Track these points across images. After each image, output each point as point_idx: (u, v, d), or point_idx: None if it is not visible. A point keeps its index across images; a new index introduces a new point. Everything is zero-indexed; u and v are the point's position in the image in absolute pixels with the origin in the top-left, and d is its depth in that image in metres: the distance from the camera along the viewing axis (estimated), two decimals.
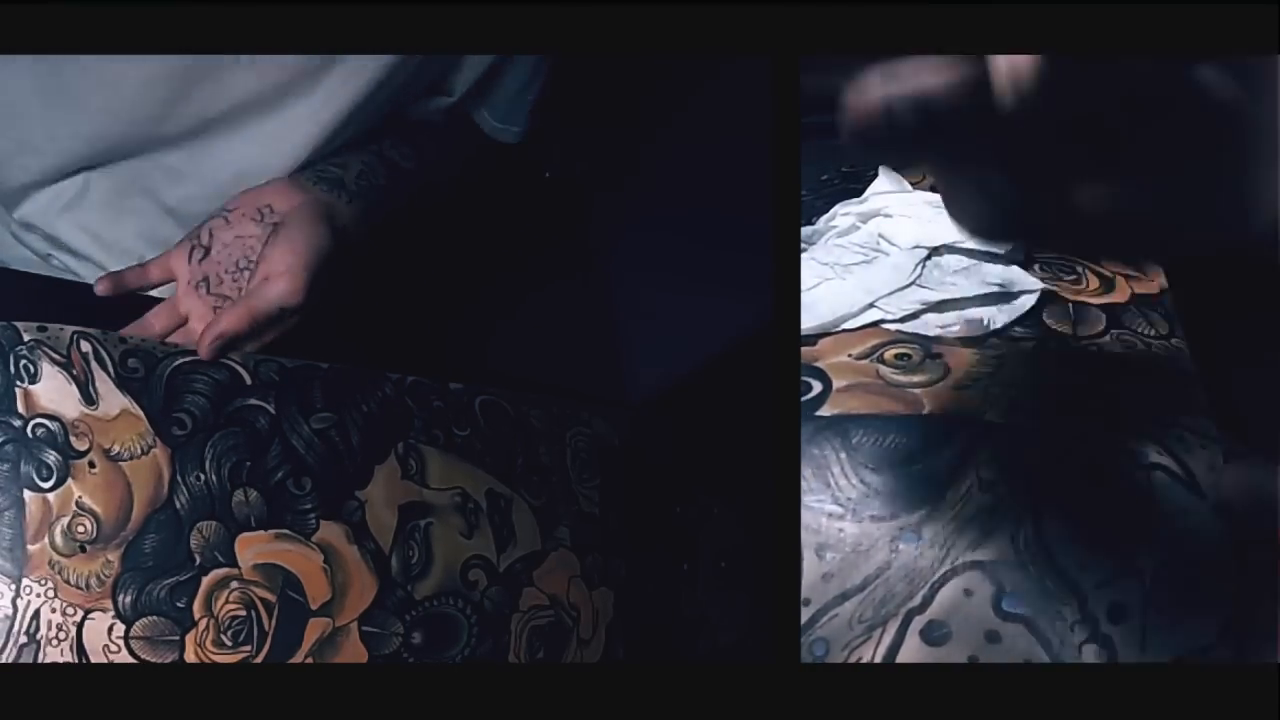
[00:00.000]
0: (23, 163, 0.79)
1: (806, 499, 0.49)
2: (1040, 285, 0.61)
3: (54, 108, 0.75)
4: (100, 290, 0.70)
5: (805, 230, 0.72)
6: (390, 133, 0.83)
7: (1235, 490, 0.45)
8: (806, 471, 0.50)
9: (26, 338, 0.58)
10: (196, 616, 0.59)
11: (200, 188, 0.78)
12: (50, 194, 0.82)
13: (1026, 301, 0.60)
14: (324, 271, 0.70)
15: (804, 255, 0.68)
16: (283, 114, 0.77)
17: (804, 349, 0.58)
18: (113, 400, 0.59)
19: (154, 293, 0.74)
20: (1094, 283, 0.61)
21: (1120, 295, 0.61)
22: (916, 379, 0.54)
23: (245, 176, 0.75)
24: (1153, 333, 0.58)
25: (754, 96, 0.89)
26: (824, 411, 0.53)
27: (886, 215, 0.69)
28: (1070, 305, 0.59)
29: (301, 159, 0.77)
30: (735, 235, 1.00)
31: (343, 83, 0.77)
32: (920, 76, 0.41)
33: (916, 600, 0.46)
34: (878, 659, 0.45)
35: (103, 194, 0.82)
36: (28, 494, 0.57)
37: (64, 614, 0.56)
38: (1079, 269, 0.63)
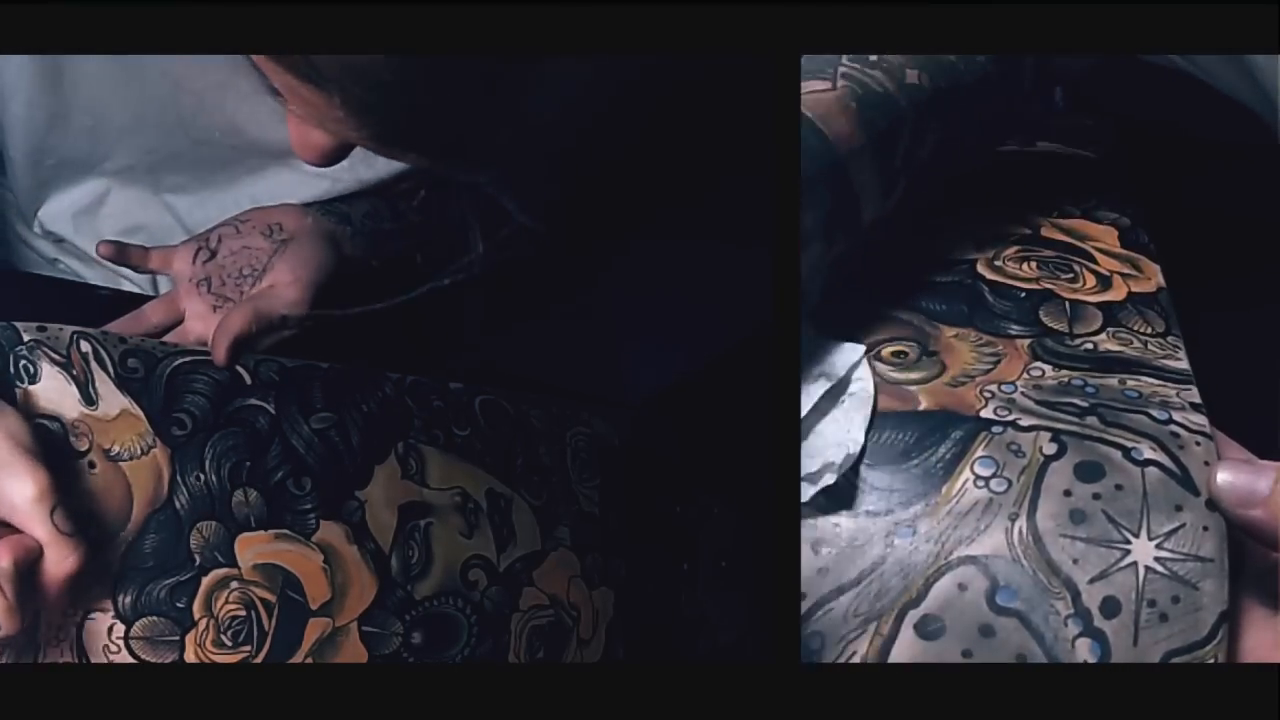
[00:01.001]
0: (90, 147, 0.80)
1: (802, 495, 0.50)
2: (860, 347, 0.54)
3: (129, 100, 0.76)
4: (102, 252, 0.72)
5: None
6: (404, 190, 0.85)
7: (1228, 488, 0.45)
8: None
9: (26, 338, 0.58)
10: (196, 616, 0.59)
11: (220, 212, 0.79)
12: (69, 199, 0.83)
13: (865, 384, 0.53)
14: (326, 290, 0.71)
15: None
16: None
17: None
18: (112, 400, 0.59)
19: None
20: (1091, 281, 0.61)
21: (1117, 293, 0.60)
22: (913, 376, 0.54)
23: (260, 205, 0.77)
24: (1149, 330, 0.58)
25: (754, 96, 0.89)
26: None
27: None
28: (1066, 303, 0.59)
29: (316, 198, 0.79)
30: (735, 235, 1.00)
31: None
32: None
33: (911, 594, 0.46)
34: (872, 653, 0.45)
35: (120, 204, 0.83)
36: None
37: (64, 614, 0.57)
38: (1076, 267, 0.63)
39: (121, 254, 0.73)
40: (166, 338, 0.68)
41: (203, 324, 0.69)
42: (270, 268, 0.71)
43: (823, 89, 0.51)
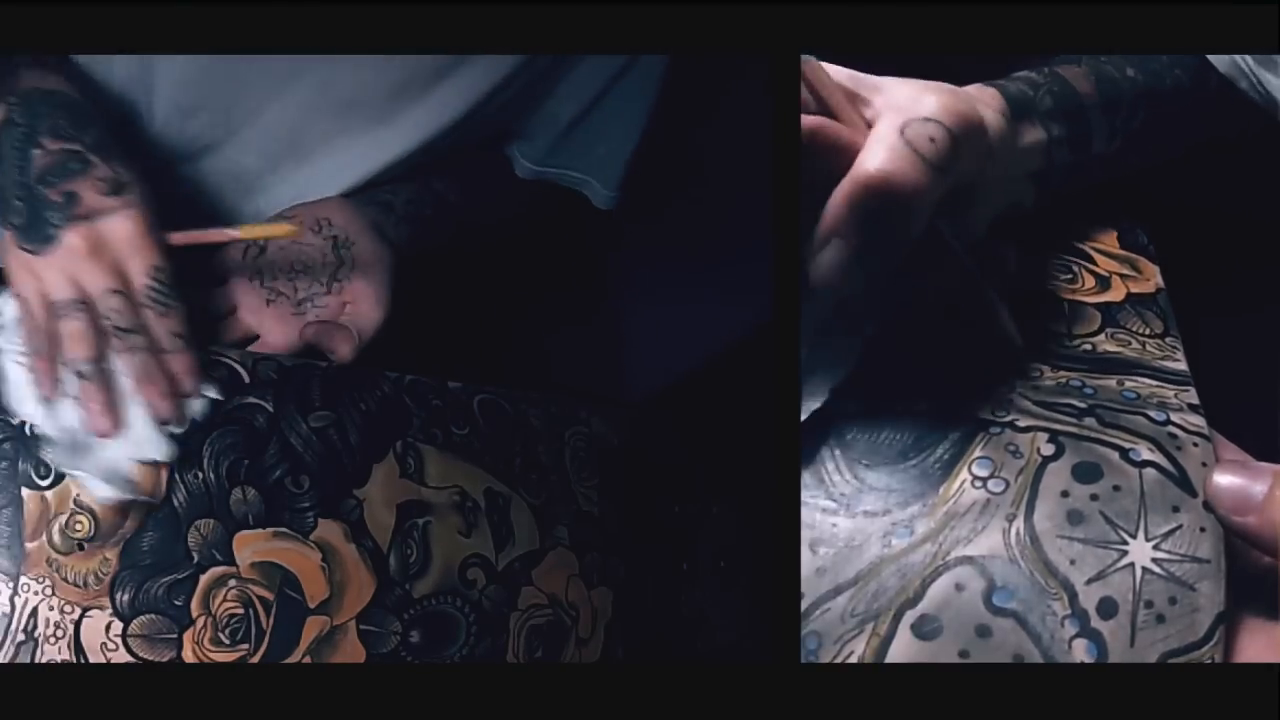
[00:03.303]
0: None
1: (802, 495, 0.50)
2: None
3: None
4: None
5: None
6: (438, 169, 0.86)
7: (1222, 494, 0.45)
8: (801, 468, 0.50)
9: None
10: (194, 614, 0.59)
11: (267, 204, 0.79)
12: None
13: None
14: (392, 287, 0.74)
15: None
16: (358, 139, 0.80)
17: None
18: None
19: None
20: (1089, 282, 0.61)
21: (1116, 294, 0.60)
22: None
23: (302, 197, 0.78)
24: (1148, 331, 0.58)
25: (754, 96, 0.89)
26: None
27: None
28: (1065, 304, 0.59)
29: (357, 184, 0.81)
30: (735, 234, 1.00)
31: (415, 122, 0.80)
32: None
33: (908, 595, 0.46)
34: (869, 653, 0.45)
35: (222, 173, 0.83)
36: (25, 492, 0.57)
37: (62, 612, 0.57)
38: (1075, 268, 0.63)
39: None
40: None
41: (255, 317, 0.71)
42: (342, 281, 0.74)
43: (1075, 68, 0.64)
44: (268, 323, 0.71)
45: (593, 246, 1.12)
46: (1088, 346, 0.56)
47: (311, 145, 0.80)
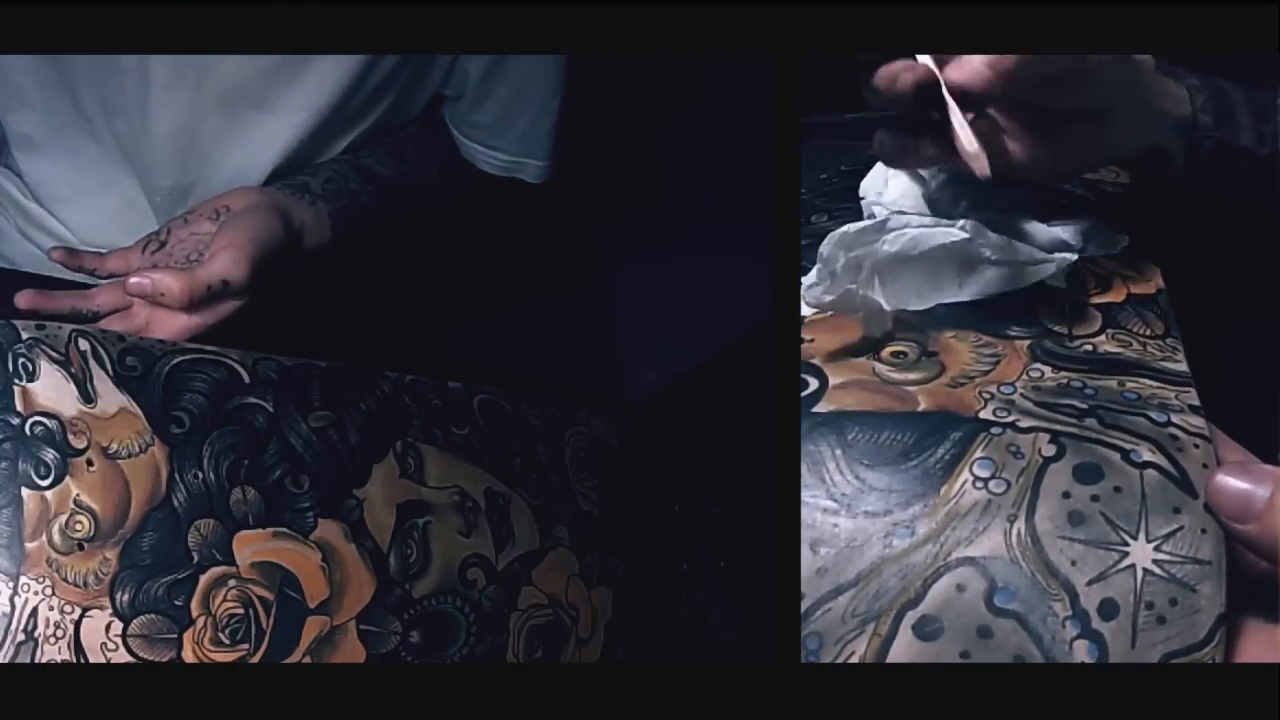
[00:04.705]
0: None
1: (802, 495, 0.50)
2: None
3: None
4: (55, 257, 0.73)
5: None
6: (371, 144, 0.86)
7: (1223, 499, 0.45)
8: (802, 468, 0.50)
9: (25, 336, 0.58)
10: (194, 614, 0.59)
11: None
12: (97, 212, 0.86)
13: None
14: (272, 257, 0.72)
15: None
16: (248, 129, 0.80)
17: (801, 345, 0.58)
18: (111, 398, 0.59)
19: None
20: (1090, 282, 0.61)
21: (1117, 295, 0.61)
22: (912, 376, 0.54)
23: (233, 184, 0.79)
24: (1148, 332, 0.58)
25: (754, 96, 0.89)
26: (820, 408, 0.53)
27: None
28: (1066, 305, 0.59)
29: (266, 176, 0.81)
30: (735, 234, 1.00)
31: (296, 104, 0.81)
32: None
33: (909, 595, 0.46)
34: (870, 654, 0.45)
35: (159, 207, 0.84)
36: (25, 492, 0.57)
37: (61, 612, 0.57)
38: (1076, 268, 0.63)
39: (75, 259, 0.74)
40: (111, 320, 0.70)
41: (147, 310, 0.69)
42: (212, 240, 0.72)
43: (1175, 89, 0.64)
44: (159, 315, 0.70)
45: (594, 244, 1.12)
46: (1089, 347, 0.56)
47: (209, 144, 0.80)
